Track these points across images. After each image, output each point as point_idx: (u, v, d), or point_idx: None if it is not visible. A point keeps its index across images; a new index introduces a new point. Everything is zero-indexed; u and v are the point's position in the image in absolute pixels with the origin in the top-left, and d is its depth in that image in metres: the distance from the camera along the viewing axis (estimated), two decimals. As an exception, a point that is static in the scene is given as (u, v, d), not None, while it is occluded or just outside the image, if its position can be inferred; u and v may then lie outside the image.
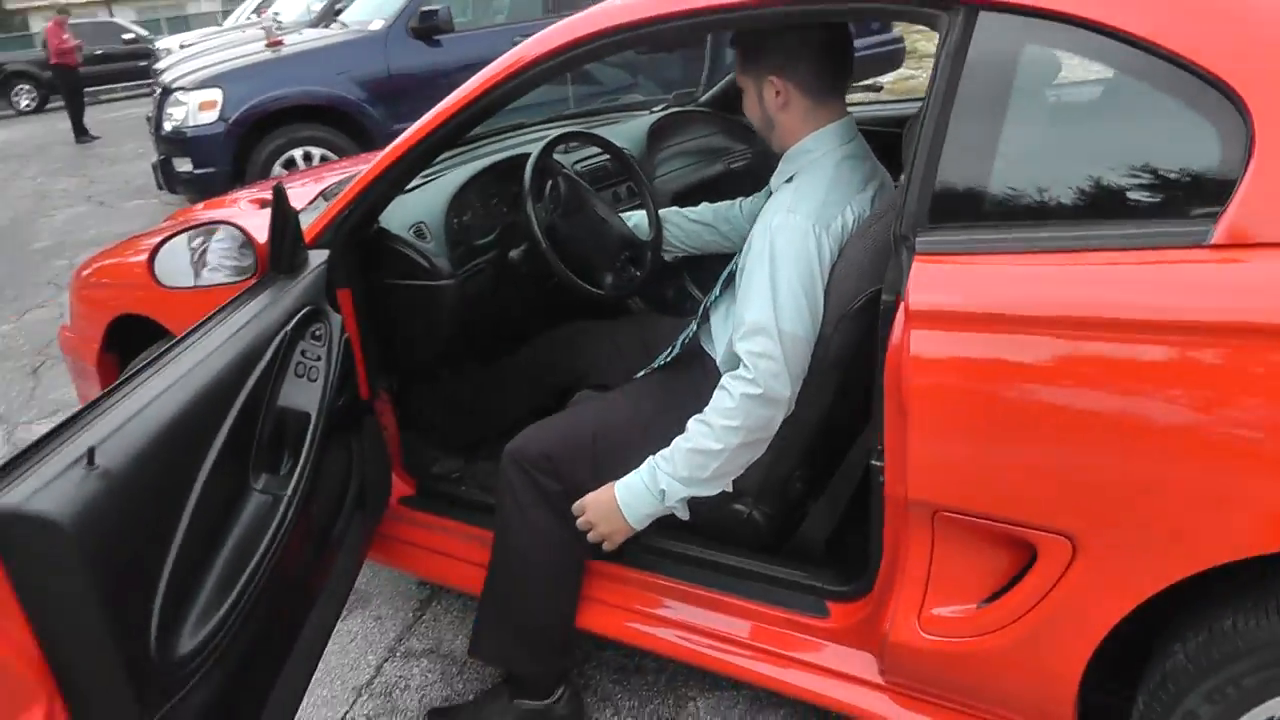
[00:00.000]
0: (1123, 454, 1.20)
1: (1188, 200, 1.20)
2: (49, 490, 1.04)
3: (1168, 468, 1.17)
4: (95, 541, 1.06)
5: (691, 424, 1.63)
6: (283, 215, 1.83)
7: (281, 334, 1.69)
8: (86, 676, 1.09)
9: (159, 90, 6.47)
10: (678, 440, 1.65)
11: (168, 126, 6.01)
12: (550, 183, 2.21)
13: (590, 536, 1.77)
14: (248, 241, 1.92)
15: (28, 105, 19.32)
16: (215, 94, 5.89)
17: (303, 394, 1.73)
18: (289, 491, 1.58)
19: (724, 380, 1.61)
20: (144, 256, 2.00)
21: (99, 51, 18.71)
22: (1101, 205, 1.25)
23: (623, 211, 2.41)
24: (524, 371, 2.36)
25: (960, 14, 1.32)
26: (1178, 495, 1.17)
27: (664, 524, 1.76)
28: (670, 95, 3.44)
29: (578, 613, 1.91)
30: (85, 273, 2.68)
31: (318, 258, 1.95)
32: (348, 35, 6.39)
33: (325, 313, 1.85)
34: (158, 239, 1.98)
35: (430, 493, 2.27)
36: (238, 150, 5.86)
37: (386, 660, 2.34)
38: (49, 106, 18.71)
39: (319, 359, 1.79)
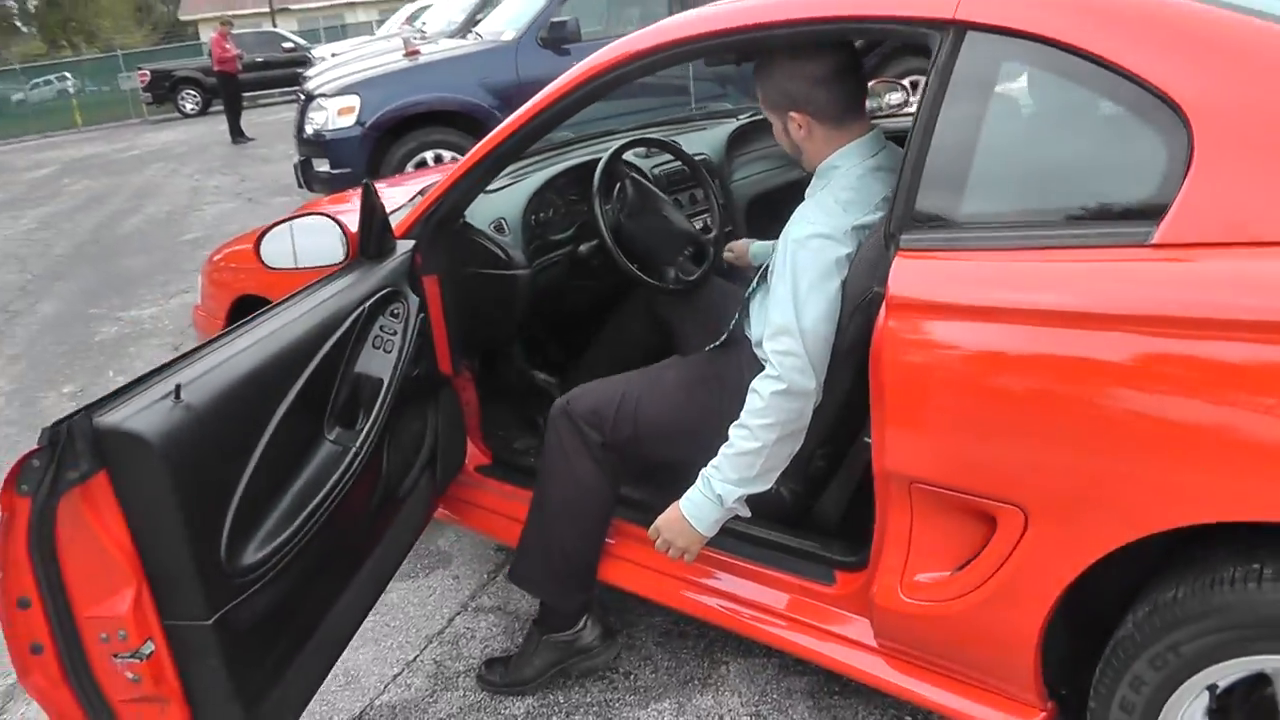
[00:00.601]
0: (1066, 434, 1.31)
1: (1135, 204, 1.31)
2: (142, 415, 1.30)
3: (1107, 447, 1.28)
4: (177, 459, 1.31)
5: (732, 431, 1.78)
6: (369, 208, 2.10)
7: (360, 309, 1.94)
8: (166, 569, 1.34)
9: (303, 96, 6.98)
10: (723, 449, 1.80)
11: (309, 130, 6.49)
12: (619, 185, 2.41)
13: (671, 554, 1.91)
14: (342, 231, 2.18)
15: (192, 109, 20.84)
16: (353, 100, 6.33)
17: (378, 363, 1.98)
18: (357, 444, 1.82)
19: (754, 384, 1.75)
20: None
21: (260, 59, 19.98)
22: (1061, 208, 1.37)
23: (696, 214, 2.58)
24: (609, 357, 2.56)
25: (950, 33, 1.45)
26: (1115, 473, 1.28)
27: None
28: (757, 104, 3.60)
29: (621, 575, 2.11)
30: (216, 258, 3.02)
31: (404, 246, 2.20)
32: (481, 45, 6.77)
33: (404, 294, 2.10)
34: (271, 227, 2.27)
35: (505, 463, 2.49)
36: (373, 152, 6.29)
37: (459, 614, 2.58)
38: (211, 109, 20.08)
39: (395, 333, 2.04)
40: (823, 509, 1.92)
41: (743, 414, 1.76)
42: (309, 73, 8.55)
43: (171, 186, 11.16)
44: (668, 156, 2.80)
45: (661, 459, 2.04)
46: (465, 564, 2.80)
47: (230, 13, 37.55)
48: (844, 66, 1.79)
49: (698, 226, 2.58)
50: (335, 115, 6.33)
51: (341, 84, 6.55)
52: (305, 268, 2.16)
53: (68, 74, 28.06)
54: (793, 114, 1.80)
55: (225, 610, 1.40)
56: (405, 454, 2.13)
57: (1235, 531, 1.26)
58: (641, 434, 2.01)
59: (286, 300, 1.86)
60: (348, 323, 1.90)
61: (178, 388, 1.37)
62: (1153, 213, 1.27)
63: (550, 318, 2.59)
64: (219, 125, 15.45)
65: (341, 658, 2.30)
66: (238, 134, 14.20)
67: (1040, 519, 1.37)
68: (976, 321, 1.39)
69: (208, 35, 35.09)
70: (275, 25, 29.27)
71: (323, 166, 6.46)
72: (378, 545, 1.97)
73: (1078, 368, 1.30)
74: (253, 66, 18.35)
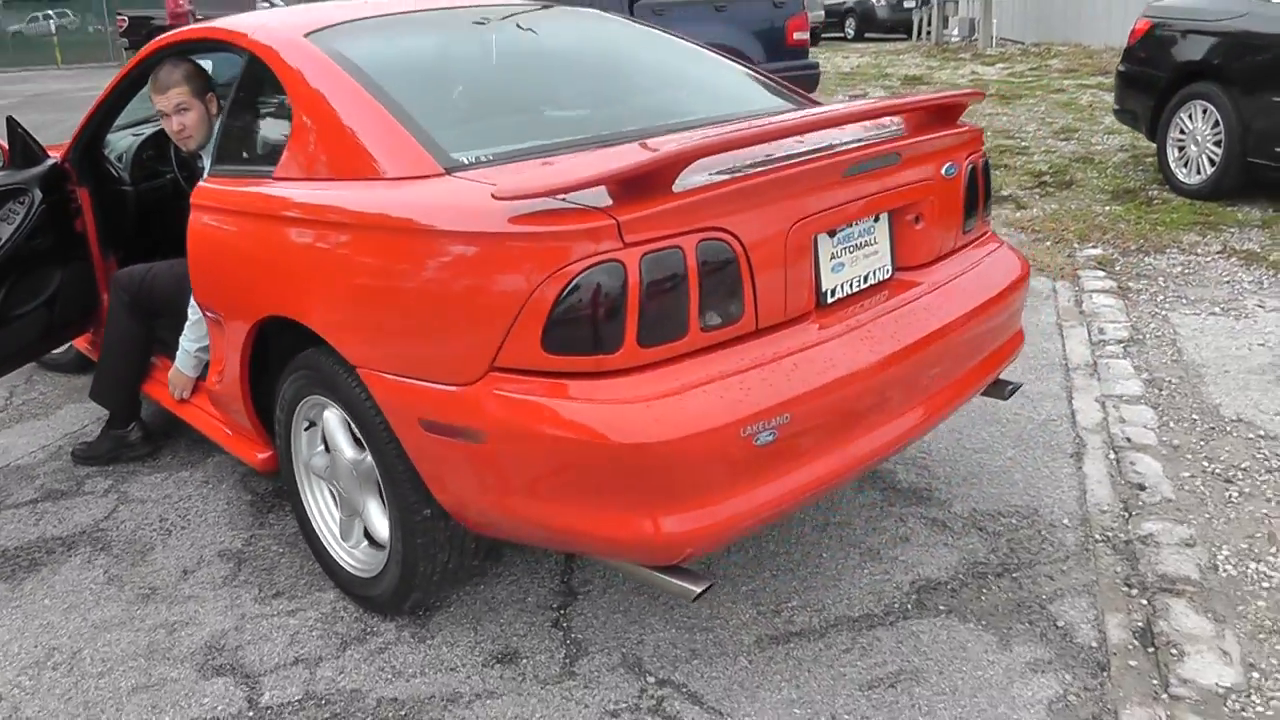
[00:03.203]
0: (228, 268, 2.49)
1: (272, 154, 2.46)
2: None
3: (237, 276, 2.46)
4: None
5: (189, 307, 2.91)
6: (13, 132, 3.25)
7: None
8: None
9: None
10: (186, 321, 2.95)
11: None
12: None
13: (179, 395, 3.09)
14: (1, 150, 3.33)
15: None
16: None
17: (6, 231, 3.13)
18: None
19: None
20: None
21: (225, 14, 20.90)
22: (253, 156, 2.55)
23: None
24: None
25: (245, 56, 2.61)
26: (241, 290, 2.45)
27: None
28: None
29: (161, 395, 3.24)
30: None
31: (47, 162, 3.35)
32: None
33: (30, 190, 3.24)
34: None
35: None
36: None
37: (91, 424, 3.74)
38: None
39: (17, 214, 3.19)
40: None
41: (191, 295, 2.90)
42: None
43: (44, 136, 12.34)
44: None
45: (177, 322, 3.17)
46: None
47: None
48: None
49: None
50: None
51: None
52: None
53: (67, 10, 29.25)
54: (210, 95, 2.94)
55: None
56: (28, 293, 3.27)
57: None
58: (154, 301, 3.17)
59: None
60: None
61: None
62: (276, 159, 2.42)
63: (166, 227, 3.75)
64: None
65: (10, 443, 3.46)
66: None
67: (227, 320, 2.55)
68: (205, 213, 2.58)
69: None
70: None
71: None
72: None
73: (228, 235, 2.49)
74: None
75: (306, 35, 2.52)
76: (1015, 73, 12.67)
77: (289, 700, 2.23)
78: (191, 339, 2.94)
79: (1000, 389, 2.81)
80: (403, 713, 2.17)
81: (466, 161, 2.13)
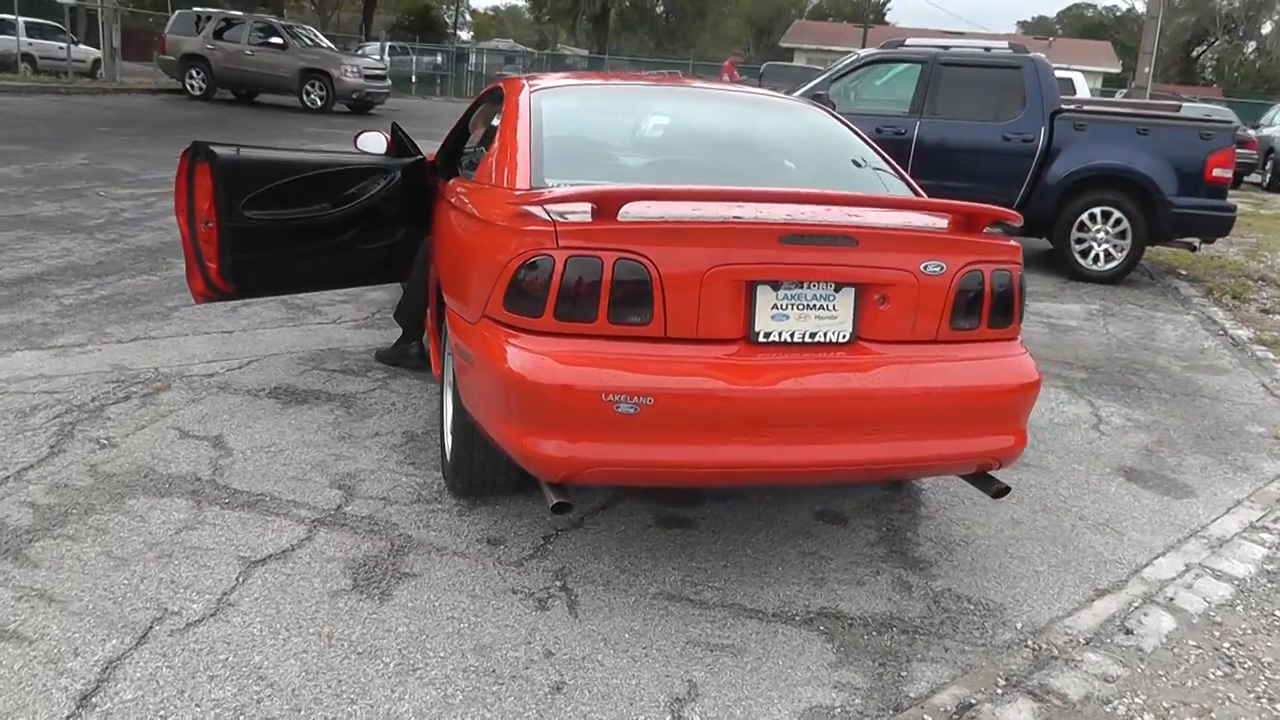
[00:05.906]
0: (448, 247, 3.65)
1: (476, 164, 3.57)
2: (221, 149, 4.12)
3: (437, 241, 3.61)
4: (225, 169, 4.09)
5: None
6: (395, 135, 4.79)
7: (368, 165, 4.65)
8: (222, 201, 4.13)
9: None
10: None
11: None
12: None
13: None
14: (386, 142, 4.89)
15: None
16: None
17: (367, 191, 4.67)
18: (332, 212, 4.52)
19: None
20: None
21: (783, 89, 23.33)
22: (475, 163, 3.69)
23: None
24: None
25: (503, 100, 3.79)
26: (436, 252, 3.60)
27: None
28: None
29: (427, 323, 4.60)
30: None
31: (415, 157, 4.85)
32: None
33: (393, 171, 4.74)
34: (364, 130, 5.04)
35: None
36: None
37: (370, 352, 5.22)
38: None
39: (379, 184, 4.71)
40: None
41: None
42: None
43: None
44: None
45: None
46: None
47: (825, 48, 42.10)
48: None
49: None
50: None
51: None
52: (367, 151, 4.90)
53: (678, 71, 35.04)
54: None
55: (236, 224, 4.18)
56: (376, 233, 4.76)
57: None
58: None
59: (343, 154, 4.63)
60: (353, 167, 4.61)
61: (239, 147, 4.18)
62: (477, 167, 3.54)
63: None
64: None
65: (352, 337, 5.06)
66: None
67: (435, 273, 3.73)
68: (444, 203, 3.77)
69: (800, 61, 40.07)
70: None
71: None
72: (335, 257, 4.64)
73: (449, 222, 3.63)
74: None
75: (533, 91, 3.62)
76: None
77: (357, 514, 3.32)
78: None
79: (987, 484, 3.08)
80: (405, 545, 3.15)
81: (551, 184, 3.07)
